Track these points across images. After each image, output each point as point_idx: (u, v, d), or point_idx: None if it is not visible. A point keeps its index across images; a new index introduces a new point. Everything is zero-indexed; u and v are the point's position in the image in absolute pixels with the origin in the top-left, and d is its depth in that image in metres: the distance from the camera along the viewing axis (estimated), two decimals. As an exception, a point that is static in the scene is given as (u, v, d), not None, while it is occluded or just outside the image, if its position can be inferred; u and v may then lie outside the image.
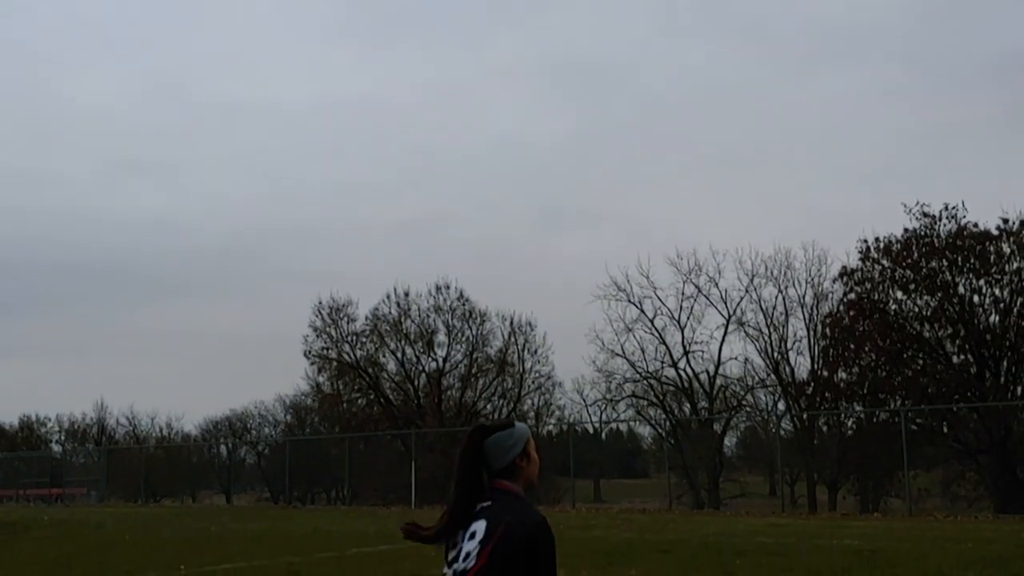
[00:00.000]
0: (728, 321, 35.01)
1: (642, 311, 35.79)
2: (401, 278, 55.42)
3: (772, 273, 34.09)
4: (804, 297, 33.80)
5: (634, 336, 35.95)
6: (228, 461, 48.42)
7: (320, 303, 40.07)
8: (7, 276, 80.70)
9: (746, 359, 35.61)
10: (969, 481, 27.50)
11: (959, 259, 27.80)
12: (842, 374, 30.97)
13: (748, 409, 37.73)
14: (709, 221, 67.37)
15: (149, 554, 16.16)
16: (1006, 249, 27.80)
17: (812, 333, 33.54)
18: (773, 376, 34.46)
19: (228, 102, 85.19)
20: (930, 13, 77.50)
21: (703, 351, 35.95)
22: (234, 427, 51.49)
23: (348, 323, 40.18)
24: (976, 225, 28.10)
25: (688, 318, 35.59)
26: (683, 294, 35.45)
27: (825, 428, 33.00)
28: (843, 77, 71.21)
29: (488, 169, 77.68)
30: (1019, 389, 27.94)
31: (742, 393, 37.17)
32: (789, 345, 33.85)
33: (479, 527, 2.79)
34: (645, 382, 36.98)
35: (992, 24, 70.04)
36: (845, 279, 30.64)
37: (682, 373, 36.28)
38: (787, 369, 34.01)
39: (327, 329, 40.09)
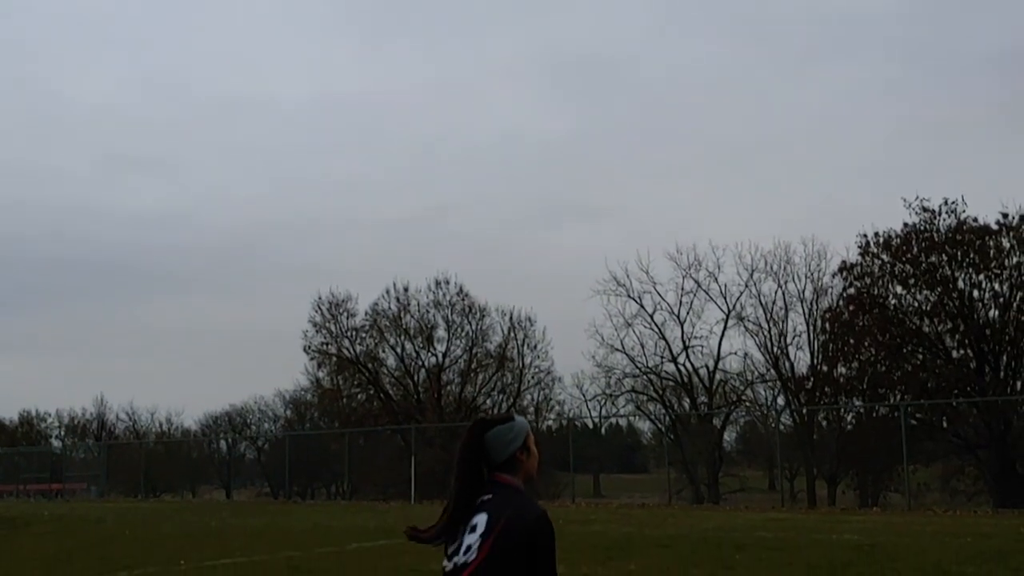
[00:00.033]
0: (728, 316, 35.07)
1: (642, 306, 35.87)
2: (401, 273, 55.58)
3: (772, 268, 34.11)
4: (804, 292, 33.82)
5: (634, 331, 36.04)
6: (228, 456, 48.49)
7: (320, 298, 40.15)
8: (7, 272, 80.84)
9: (746, 354, 35.71)
10: (968, 476, 27.52)
11: (959, 254, 27.77)
12: (842, 369, 30.99)
13: (748, 404, 37.80)
14: (709, 216, 67.33)
15: (149, 549, 16.16)
16: (1006, 244, 27.76)
17: (812, 328, 33.54)
18: (773, 371, 34.47)
19: (228, 98, 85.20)
20: (929, 9, 77.48)
21: (703, 346, 36.03)
22: (234, 422, 51.48)
23: (348, 318, 40.23)
24: (976, 220, 28.08)
25: (688, 313, 35.68)
26: (683, 289, 35.53)
27: (824, 423, 32.98)
28: (843, 73, 71.20)
29: (488, 165, 77.73)
30: (1019, 384, 27.93)
31: (742, 388, 37.23)
32: (789, 340, 33.89)
33: (480, 520, 2.80)
34: (645, 377, 37.03)
35: (991, 20, 70.04)
36: (845, 274, 30.64)
37: (682, 368, 36.35)
38: (786, 364, 34.06)
39: (327, 324, 40.12)
